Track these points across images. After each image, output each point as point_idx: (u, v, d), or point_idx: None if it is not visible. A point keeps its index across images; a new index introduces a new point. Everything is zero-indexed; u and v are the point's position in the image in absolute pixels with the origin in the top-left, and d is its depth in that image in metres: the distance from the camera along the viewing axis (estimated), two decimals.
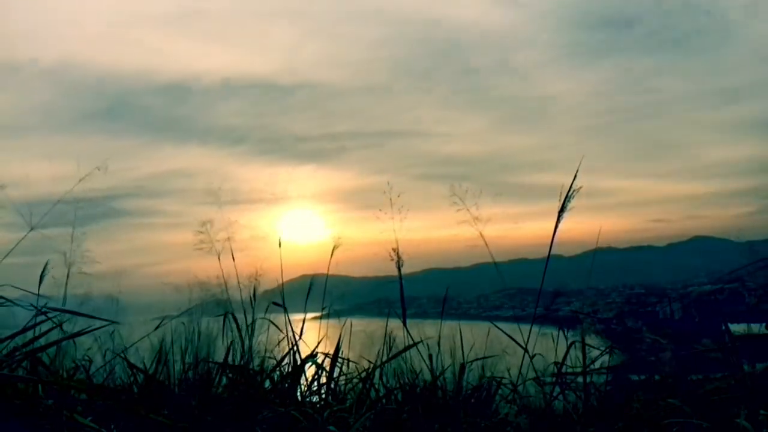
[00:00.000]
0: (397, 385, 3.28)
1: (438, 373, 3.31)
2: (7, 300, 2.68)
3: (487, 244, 3.52)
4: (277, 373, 3.25)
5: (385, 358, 3.32)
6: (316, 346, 3.37)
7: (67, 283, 3.22)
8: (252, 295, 3.62)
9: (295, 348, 3.34)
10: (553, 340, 3.46)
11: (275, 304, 3.60)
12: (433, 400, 3.17)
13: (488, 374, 3.38)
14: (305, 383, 3.28)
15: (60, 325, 2.73)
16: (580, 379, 3.34)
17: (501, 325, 3.50)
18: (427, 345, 3.41)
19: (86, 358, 3.25)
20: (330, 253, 3.78)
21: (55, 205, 3.16)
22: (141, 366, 3.08)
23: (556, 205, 3.27)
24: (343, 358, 3.34)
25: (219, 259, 3.65)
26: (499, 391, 3.37)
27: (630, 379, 3.87)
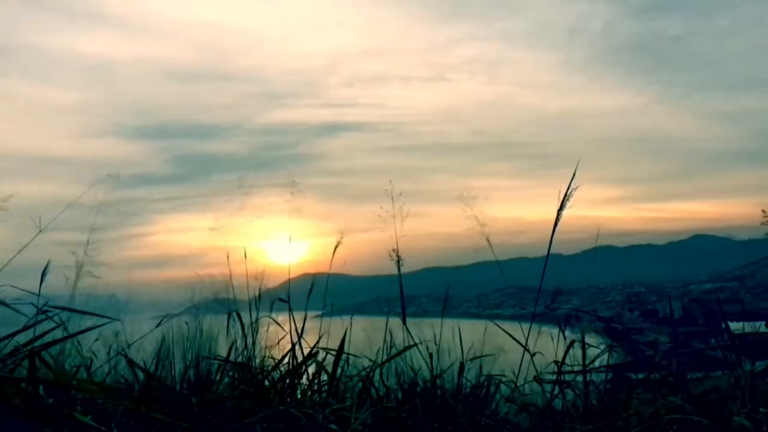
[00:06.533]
0: (397, 384, 3.29)
1: (438, 372, 3.31)
2: (3, 302, 2.68)
3: (491, 247, 3.51)
4: (278, 371, 3.25)
5: (385, 357, 3.32)
6: (316, 344, 3.37)
7: (74, 283, 3.22)
8: (258, 295, 3.61)
9: (296, 347, 3.35)
10: (552, 339, 3.46)
11: (281, 300, 3.59)
12: (433, 398, 3.18)
13: (488, 373, 3.38)
14: (306, 382, 3.28)
15: (62, 323, 2.74)
16: (579, 378, 3.34)
17: (501, 323, 3.50)
18: (427, 345, 3.42)
19: (87, 356, 3.26)
20: (332, 252, 3.76)
21: (65, 209, 3.16)
22: (142, 364, 3.09)
23: None
24: (343, 359, 3.34)
25: (228, 257, 3.65)
26: (499, 390, 3.38)
27: (630, 378, 3.87)
